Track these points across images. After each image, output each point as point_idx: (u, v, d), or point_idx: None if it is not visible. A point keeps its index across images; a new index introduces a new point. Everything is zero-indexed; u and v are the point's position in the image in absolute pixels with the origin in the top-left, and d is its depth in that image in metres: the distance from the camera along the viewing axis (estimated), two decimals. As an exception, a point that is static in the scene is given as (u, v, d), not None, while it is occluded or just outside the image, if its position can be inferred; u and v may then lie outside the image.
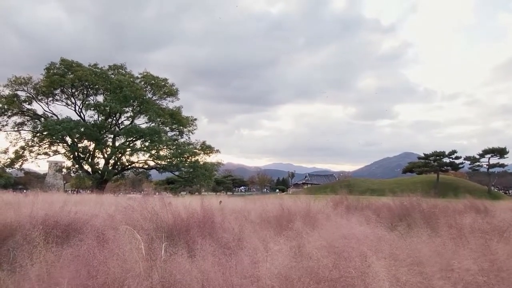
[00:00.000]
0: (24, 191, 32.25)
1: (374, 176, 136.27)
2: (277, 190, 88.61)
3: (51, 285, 3.66)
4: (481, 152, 59.38)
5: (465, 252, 4.41)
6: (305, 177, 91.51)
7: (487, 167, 59.67)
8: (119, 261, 3.98)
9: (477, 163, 60.66)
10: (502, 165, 59.42)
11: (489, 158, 58.95)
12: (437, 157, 60.43)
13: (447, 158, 60.67)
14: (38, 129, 38.83)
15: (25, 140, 39.32)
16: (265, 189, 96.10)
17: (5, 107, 37.66)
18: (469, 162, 61.15)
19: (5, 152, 38.50)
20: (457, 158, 60.53)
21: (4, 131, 38.92)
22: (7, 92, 38.35)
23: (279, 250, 4.36)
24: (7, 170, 44.02)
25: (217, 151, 44.25)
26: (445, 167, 61.78)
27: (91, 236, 5.24)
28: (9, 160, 38.31)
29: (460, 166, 62.01)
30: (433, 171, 61.86)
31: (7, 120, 38.91)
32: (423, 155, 62.75)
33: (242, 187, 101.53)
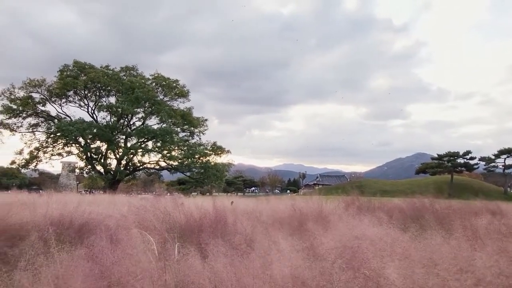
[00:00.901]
0: (39, 191, 32.81)
1: (386, 177, 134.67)
2: (288, 191, 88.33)
3: (65, 285, 3.71)
4: (496, 152, 58.27)
5: (482, 254, 4.34)
6: (316, 178, 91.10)
7: (503, 167, 58.51)
8: (132, 262, 4.02)
9: (493, 164, 59.52)
10: (518, 166, 58.12)
11: (505, 159, 57.78)
12: (451, 158, 59.39)
13: (461, 158, 59.57)
14: (52, 130, 39.43)
15: (39, 141, 40.05)
16: (276, 190, 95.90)
17: (20, 108, 38.35)
18: (484, 163, 60.04)
19: (20, 153, 39.20)
20: (471, 158, 59.42)
21: (19, 132, 39.69)
22: (21, 94, 39.09)
23: (291, 250, 4.34)
24: (22, 170, 44.85)
25: (228, 151, 44.33)
26: (459, 168, 60.59)
27: (105, 237, 5.30)
28: (24, 160, 38.99)
29: (475, 166, 60.79)
30: (447, 172, 60.80)
31: (22, 122, 39.66)
32: (436, 156, 61.69)
33: (253, 188, 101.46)
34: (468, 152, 59.30)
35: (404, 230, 6.69)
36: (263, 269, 3.91)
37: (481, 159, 59.70)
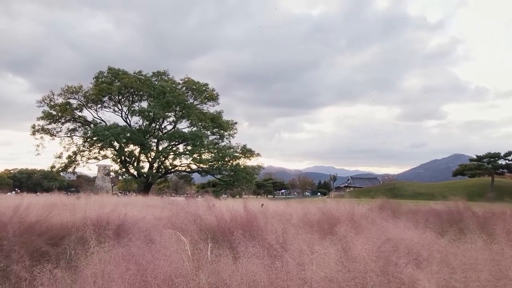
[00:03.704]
0: (77, 193, 34.11)
1: (421, 180, 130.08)
2: (319, 194, 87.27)
3: (105, 283, 3.87)
4: (542, 152, 54.99)
5: None
6: (348, 180, 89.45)
7: (549, 169, 55.17)
8: (166, 261, 4.12)
9: (538, 165, 56.25)
10: None
11: (551, 159, 54.44)
12: (492, 159, 56.50)
13: (502, 159, 56.58)
14: (88, 135, 40.85)
15: (77, 145, 41.65)
16: (306, 193, 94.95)
17: (59, 114, 40.13)
18: (528, 164, 56.88)
19: (60, 156, 40.97)
20: (514, 159, 56.40)
21: (58, 137, 41.46)
22: (60, 100, 40.88)
23: (325, 253, 4.31)
24: (61, 174, 46.77)
25: (258, 154, 44.25)
26: (501, 170, 57.61)
27: (140, 238, 5.48)
28: (63, 164, 40.67)
29: (518, 168, 57.63)
30: (487, 174, 57.92)
31: (61, 127, 41.45)
32: (475, 157, 58.94)
33: (283, 190, 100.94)
34: (510, 153, 56.28)
35: (441, 234, 6.50)
36: (297, 271, 3.91)
37: (525, 160, 56.53)
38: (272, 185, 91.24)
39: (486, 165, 56.83)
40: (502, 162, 56.49)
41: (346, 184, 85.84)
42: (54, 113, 39.90)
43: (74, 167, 41.37)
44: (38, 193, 38.70)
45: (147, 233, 6.49)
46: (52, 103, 40.13)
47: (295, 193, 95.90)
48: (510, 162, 56.37)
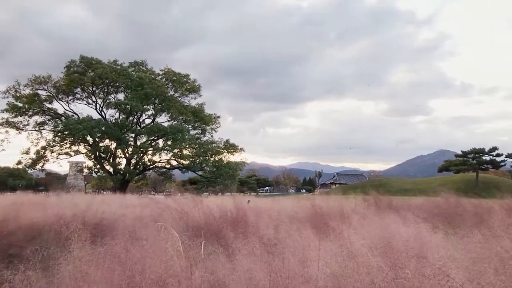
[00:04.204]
0: (45, 192, 31.50)
1: (407, 175, 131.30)
2: (304, 190, 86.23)
3: (86, 285, 3.63)
4: (525, 148, 55.32)
5: None
6: (333, 176, 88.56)
7: (533, 164, 55.53)
8: (155, 260, 3.86)
9: (521, 161, 56.63)
10: (550, 162, 55.01)
11: (535, 155, 54.80)
12: (476, 155, 56.71)
13: (487, 155, 56.89)
14: (59, 129, 38.20)
15: (46, 140, 38.76)
16: (290, 190, 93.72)
17: (26, 106, 37.16)
18: (511, 160, 57.23)
19: (27, 152, 38.01)
20: (498, 155, 56.87)
21: (26, 131, 38.46)
22: (27, 91, 37.84)
23: (326, 249, 4.17)
24: (29, 171, 43.84)
25: (241, 149, 42.51)
26: (485, 165, 57.87)
27: (123, 235, 5.22)
28: (30, 160, 37.87)
29: (502, 164, 58.03)
30: (472, 169, 58.12)
31: (28, 120, 38.34)
32: (460, 153, 59.14)
33: (267, 187, 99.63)
34: (494, 149, 56.78)
35: (438, 229, 6.41)
36: (299, 268, 3.73)
37: (509, 155, 56.98)
38: (255, 182, 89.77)
39: (471, 161, 57.16)
40: (486, 157, 56.81)
41: (332, 181, 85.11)
42: (21, 105, 36.88)
43: (43, 164, 38.58)
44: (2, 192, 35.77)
45: (131, 230, 6.22)
46: (18, 94, 37.14)
47: (280, 190, 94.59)
48: (494, 157, 56.79)
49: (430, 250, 4.43)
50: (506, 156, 56.80)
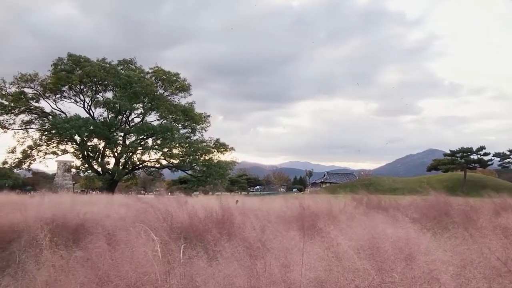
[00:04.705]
0: (31, 192, 30.90)
1: (397, 174, 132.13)
2: (295, 190, 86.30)
3: None
4: (511, 148, 56.21)
5: None
6: (324, 175, 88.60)
7: (518, 163, 56.45)
8: (132, 265, 3.72)
9: (508, 160, 57.51)
10: (535, 162, 56.01)
11: (520, 154, 55.68)
12: (464, 154, 57.31)
13: (475, 154, 57.52)
14: (46, 128, 37.60)
15: (33, 139, 38.15)
16: (281, 189, 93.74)
17: (12, 104, 36.45)
18: (498, 159, 58.07)
19: (13, 151, 37.37)
20: (485, 154, 57.46)
21: (12, 129, 37.80)
22: (13, 89, 37.17)
23: (310, 252, 4.02)
24: (15, 170, 43.04)
25: (232, 149, 42.39)
26: (473, 164, 58.52)
27: (102, 238, 5.03)
28: (16, 160, 37.20)
29: (489, 163, 58.72)
30: (460, 168, 58.72)
31: (14, 119, 37.77)
32: (449, 152, 59.65)
33: (258, 187, 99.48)
34: (482, 148, 57.40)
35: (423, 229, 6.26)
36: (281, 273, 3.57)
37: (496, 155, 57.83)
38: (246, 181, 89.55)
39: (459, 160, 57.70)
40: (474, 157, 57.45)
41: (322, 180, 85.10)
42: (6, 103, 36.17)
43: (30, 163, 37.99)
44: None
45: (111, 232, 5.93)
46: (3, 92, 36.37)
47: (270, 189, 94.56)
48: (481, 157, 57.41)
49: (418, 252, 4.33)
50: (493, 155, 57.64)
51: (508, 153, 56.91)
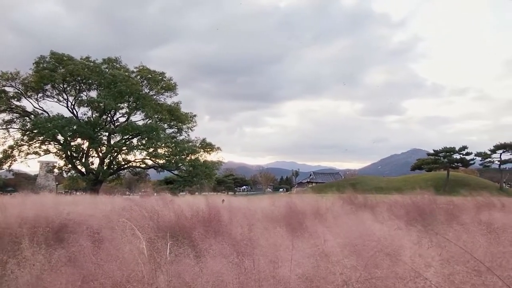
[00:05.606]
0: (12, 193, 30.10)
1: (382, 174, 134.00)
2: (281, 190, 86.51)
3: None
4: (492, 147, 57.60)
5: (501, 249, 4.12)
6: (310, 175, 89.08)
7: (499, 163, 57.93)
8: (118, 264, 3.67)
9: (489, 159, 58.89)
10: (515, 161, 57.51)
11: (500, 154, 57.42)
12: (447, 153, 58.60)
13: (457, 154, 58.90)
14: (27, 127, 36.67)
15: (14, 138, 37.04)
16: (268, 189, 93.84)
17: (-8, 103, 35.45)
18: (480, 158, 59.40)
19: (-7, 151, 36.28)
20: (467, 154, 58.92)
21: (-8, 129, 36.69)
22: (-7, 88, 36.06)
23: (295, 249, 4.01)
24: (-5, 171, 41.97)
25: (218, 148, 42.12)
26: (456, 164, 59.83)
27: (86, 237, 4.92)
28: (-3, 160, 36.11)
29: (471, 162, 60.16)
30: (443, 168, 60.01)
31: (-6, 118, 36.66)
32: (432, 152, 60.81)
33: (244, 187, 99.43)
34: (464, 148, 58.77)
35: (408, 226, 6.45)
36: (270, 269, 3.62)
37: (477, 154, 59.18)
38: (233, 181, 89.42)
39: (442, 160, 58.86)
40: (456, 156, 58.72)
41: (308, 180, 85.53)
42: (-14, 102, 35.19)
43: (11, 163, 36.95)
44: None
45: (96, 231, 5.98)
46: (-18, 91, 35.36)
47: (257, 189, 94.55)
48: (464, 156, 58.70)
49: (404, 248, 4.39)
50: (475, 155, 58.94)
51: (489, 152, 58.20)
